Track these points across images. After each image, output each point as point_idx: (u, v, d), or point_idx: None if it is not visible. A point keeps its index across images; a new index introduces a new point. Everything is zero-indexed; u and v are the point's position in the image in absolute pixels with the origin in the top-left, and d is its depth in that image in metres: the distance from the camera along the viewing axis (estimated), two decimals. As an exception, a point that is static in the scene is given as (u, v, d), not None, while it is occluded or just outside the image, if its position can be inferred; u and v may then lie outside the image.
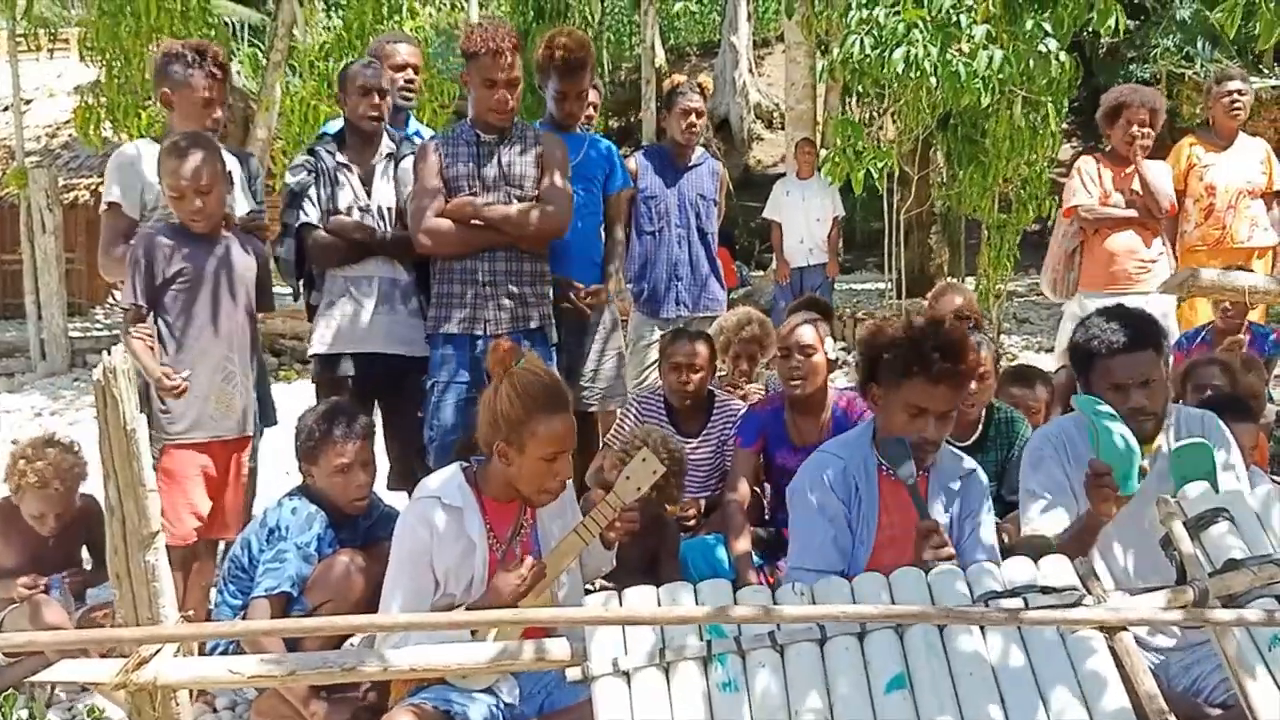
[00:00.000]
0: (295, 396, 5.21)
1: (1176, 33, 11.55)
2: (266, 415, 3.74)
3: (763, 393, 4.48)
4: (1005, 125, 7.31)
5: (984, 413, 3.72)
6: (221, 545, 3.62)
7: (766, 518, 3.93)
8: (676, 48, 23.28)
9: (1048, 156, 7.79)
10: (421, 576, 2.69)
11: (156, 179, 3.42)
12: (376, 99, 3.83)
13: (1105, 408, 2.67)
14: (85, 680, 2.29)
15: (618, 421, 4.18)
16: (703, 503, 3.98)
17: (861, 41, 5.98)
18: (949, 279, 10.37)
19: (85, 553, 3.75)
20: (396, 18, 9.91)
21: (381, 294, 3.81)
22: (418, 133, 4.29)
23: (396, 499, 3.67)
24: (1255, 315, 5.20)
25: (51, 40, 13.65)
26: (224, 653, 2.92)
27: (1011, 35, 6.07)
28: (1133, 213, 4.98)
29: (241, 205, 3.73)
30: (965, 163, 8.10)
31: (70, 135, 13.61)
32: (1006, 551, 2.79)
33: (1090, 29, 6.30)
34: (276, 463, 4.23)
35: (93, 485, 3.23)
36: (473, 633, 2.44)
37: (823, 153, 8.14)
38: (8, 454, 3.62)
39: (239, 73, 13.12)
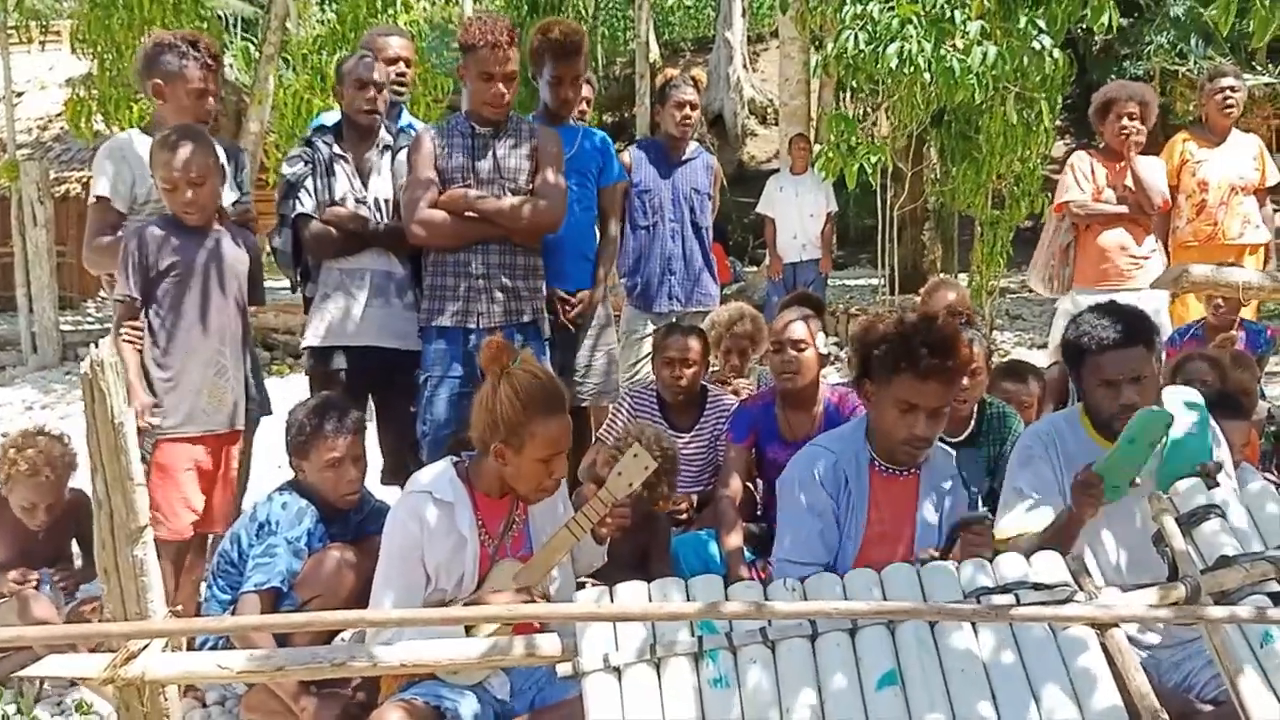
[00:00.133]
0: (288, 391, 5.19)
1: (1170, 30, 11.55)
2: (263, 404, 3.72)
3: (754, 388, 4.48)
4: (999, 122, 7.33)
5: (976, 408, 3.74)
6: (210, 539, 3.61)
7: (758, 513, 3.92)
8: (671, 43, 23.26)
9: (1041, 153, 7.81)
10: (412, 572, 2.67)
11: (148, 171, 3.40)
12: (372, 92, 3.83)
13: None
14: (73, 675, 2.28)
15: (610, 416, 4.17)
16: (695, 498, 3.97)
17: (856, 37, 5.97)
18: (942, 275, 10.41)
19: (75, 547, 3.74)
20: (390, 11, 9.90)
21: (376, 287, 3.80)
22: (411, 125, 4.28)
23: (389, 494, 3.66)
24: (1248, 312, 5.21)
25: (43, 33, 13.64)
26: (214, 648, 2.91)
27: (1005, 31, 6.06)
28: (1124, 208, 4.98)
29: (228, 198, 3.71)
30: (959, 159, 8.12)
31: (62, 128, 13.58)
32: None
33: (1084, 26, 6.30)
34: (268, 457, 4.22)
35: (82, 480, 3.22)
36: (468, 629, 2.43)
37: (816, 148, 8.13)
38: (-2, 447, 3.61)
39: (231, 66, 13.10)
